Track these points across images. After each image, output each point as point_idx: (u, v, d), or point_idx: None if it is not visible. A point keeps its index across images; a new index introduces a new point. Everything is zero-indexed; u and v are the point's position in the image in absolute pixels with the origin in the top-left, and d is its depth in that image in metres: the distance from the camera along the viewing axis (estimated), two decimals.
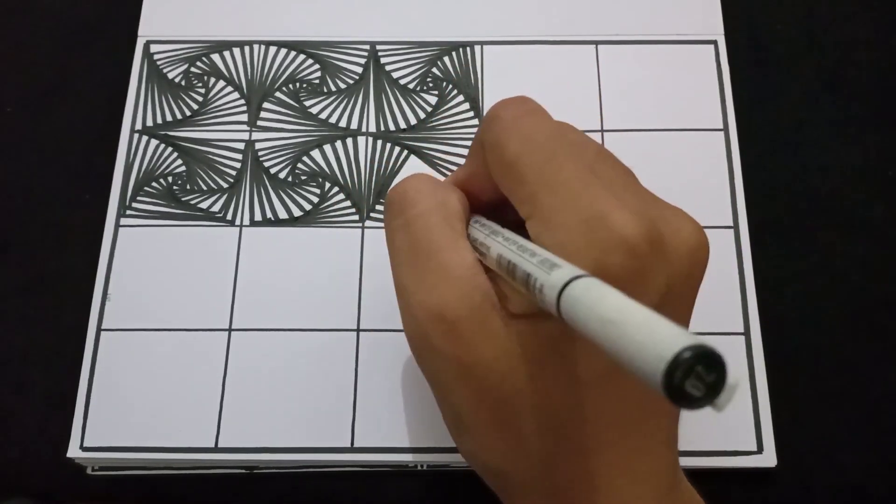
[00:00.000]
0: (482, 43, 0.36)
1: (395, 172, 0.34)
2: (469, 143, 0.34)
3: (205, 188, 0.34)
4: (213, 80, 0.36)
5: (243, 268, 0.32)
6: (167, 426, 0.30)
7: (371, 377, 0.31)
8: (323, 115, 0.35)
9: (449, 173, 0.26)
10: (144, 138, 0.35)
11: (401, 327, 0.23)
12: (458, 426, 0.23)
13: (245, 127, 0.35)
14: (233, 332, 0.31)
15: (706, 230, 0.22)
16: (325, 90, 0.35)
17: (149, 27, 0.37)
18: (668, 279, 0.20)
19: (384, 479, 0.30)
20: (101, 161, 0.34)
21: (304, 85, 0.36)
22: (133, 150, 0.34)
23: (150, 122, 0.35)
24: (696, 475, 0.24)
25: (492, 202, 0.24)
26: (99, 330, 0.31)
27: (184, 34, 0.36)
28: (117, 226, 0.33)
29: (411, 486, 0.30)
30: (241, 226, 0.33)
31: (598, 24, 0.36)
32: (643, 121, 0.35)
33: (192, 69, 0.36)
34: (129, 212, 0.33)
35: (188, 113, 0.35)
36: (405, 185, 0.24)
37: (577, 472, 0.21)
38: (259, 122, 0.35)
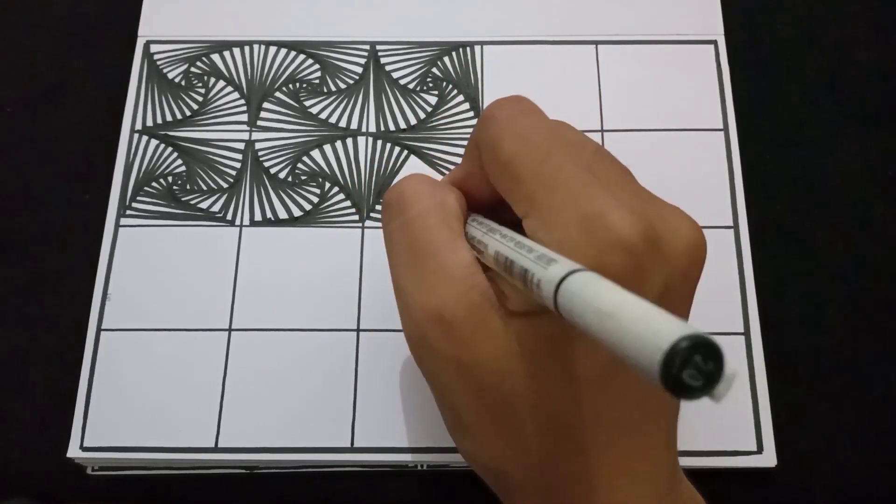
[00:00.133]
0: (482, 43, 0.36)
1: (395, 172, 0.34)
2: None
3: (205, 188, 0.34)
4: (213, 80, 0.36)
5: (243, 268, 0.32)
6: (167, 426, 0.30)
7: (371, 377, 0.31)
8: (323, 115, 0.35)
9: (448, 173, 0.26)
10: (144, 138, 0.35)
11: (401, 327, 0.23)
12: (458, 426, 0.23)
13: (245, 127, 0.35)
14: (233, 332, 0.31)
15: (706, 230, 0.21)
16: (325, 90, 0.35)
17: (149, 27, 0.37)
18: (666, 278, 0.20)
19: (384, 479, 0.30)
20: (101, 161, 0.34)
21: (304, 85, 0.36)
22: (133, 150, 0.34)
23: (150, 122, 0.35)
24: (696, 475, 0.24)
25: (489, 201, 0.24)
26: (99, 330, 0.31)
27: (184, 34, 0.36)
28: (117, 226, 0.33)
29: (411, 486, 0.30)
30: (241, 226, 0.33)
31: (598, 24, 0.36)
32: (643, 121, 0.35)
33: (192, 69, 0.36)
34: (128, 212, 0.33)
35: (188, 113, 0.35)
36: (402, 185, 0.24)
37: (576, 472, 0.21)
38: (259, 122, 0.35)
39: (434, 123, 0.35)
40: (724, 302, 0.31)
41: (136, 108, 0.35)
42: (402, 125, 0.35)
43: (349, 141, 0.34)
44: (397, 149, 0.34)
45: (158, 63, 0.36)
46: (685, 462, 0.28)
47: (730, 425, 0.30)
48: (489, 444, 0.22)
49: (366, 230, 0.33)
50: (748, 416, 0.30)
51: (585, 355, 0.20)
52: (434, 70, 0.36)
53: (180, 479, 0.31)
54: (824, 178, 0.34)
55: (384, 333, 0.31)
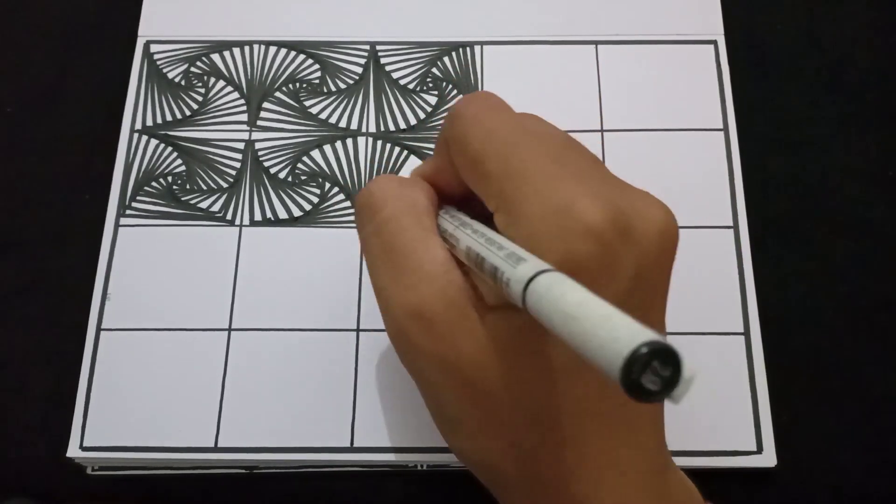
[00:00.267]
0: (482, 43, 0.36)
1: (394, 173, 0.34)
2: None
3: (205, 188, 0.34)
4: (212, 80, 0.36)
5: (243, 268, 0.32)
6: (167, 426, 0.30)
7: (371, 377, 0.31)
8: (323, 115, 0.35)
9: (418, 166, 0.26)
10: (144, 138, 0.35)
11: None
12: (446, 423, 0.23)
13: (245, 127, 0.35)
14: (232, 332, 0.31)
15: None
16: (325, 90, 0.35)
17: (149, 27, 0.37)
18: (637, 265, 0.20)
19: (384, 479, 0.30)
20: (101, 161, 0.34)
21: (304, 85, 0.36)
22: (133, 149, 0.34)
23: (149, 122, 0.35)
24: (696, 475, 0.24)
25: (460, 195, 0.24)
26: (99, 329, 0.31)
27: (184, 34, 0.36)
28: (117, 225, 0.33)
29: (411, 486, 0.30)
30: (240, 226, 0.33)
31: (598, 24, 0.36)
32: (643, 121, 0.35)
33: (192, 69, 0.36)
34: (128, 211, 0.33)
35: (188, 113, 0.35)
36: (371, 188, 0.24)
37: (563, 463, 0.21)
38: (259, 122, 0.35)
39: (434, 123, 0.35)
40: (724, 302, 0.31)
41: (136, 108, 0.35)
42: (402, 125, 0.35)
43: (349, 141, 0.34)
44: (397, 149, 0.34)
45: (158, 63, 0.36)
46: (685, 462, 0.28)
47: (730, 425, 0.30)
48: (477, 438, 0.22)
49: None
50: (748, 416, 0.30)
51: (559, 346, 0.20)
52: (434, 70, 0.36)
53: (180, 479, 0.31)
54: (824, 178, 0.34)
55: (384, 333, 0.31)
